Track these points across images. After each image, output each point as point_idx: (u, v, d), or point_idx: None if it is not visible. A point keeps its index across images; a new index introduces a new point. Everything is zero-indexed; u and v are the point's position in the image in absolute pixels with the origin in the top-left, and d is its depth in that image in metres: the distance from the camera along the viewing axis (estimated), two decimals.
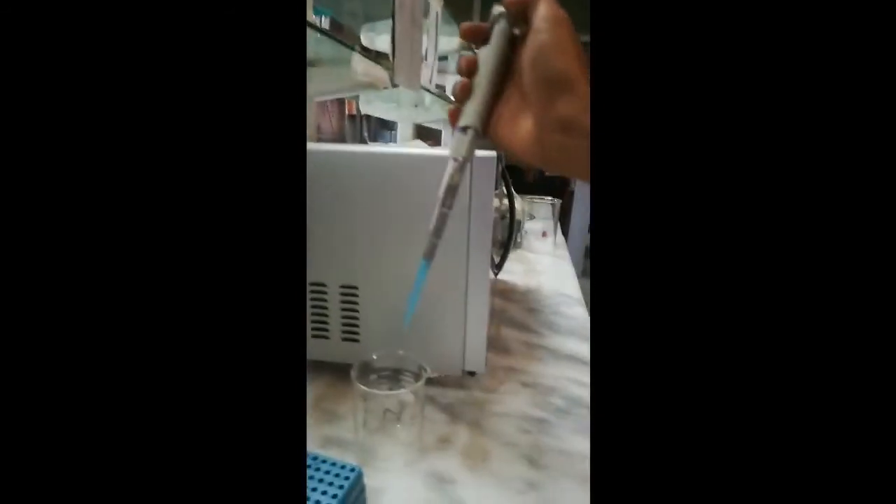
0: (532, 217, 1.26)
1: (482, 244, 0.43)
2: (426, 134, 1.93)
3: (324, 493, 0.29)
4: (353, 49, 0.64)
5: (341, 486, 0.30)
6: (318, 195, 0.44)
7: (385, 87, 0.76)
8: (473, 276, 0.44)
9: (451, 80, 2.14)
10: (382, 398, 0.38)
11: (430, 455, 0.39)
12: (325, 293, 0.47)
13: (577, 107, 0.26)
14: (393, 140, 1.76)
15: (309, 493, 0.30)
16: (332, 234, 0.45)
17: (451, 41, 1.42)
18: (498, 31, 0.29)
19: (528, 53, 0.27)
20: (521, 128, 0.28)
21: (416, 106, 1.46)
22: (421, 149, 0.51)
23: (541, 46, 0.26)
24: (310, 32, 0.54)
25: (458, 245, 0.43)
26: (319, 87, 0.78)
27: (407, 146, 0.72)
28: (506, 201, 0.66)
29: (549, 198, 1.26)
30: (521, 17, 0.27)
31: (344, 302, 0.46)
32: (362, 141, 1.82)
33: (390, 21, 0.84)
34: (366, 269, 0.45)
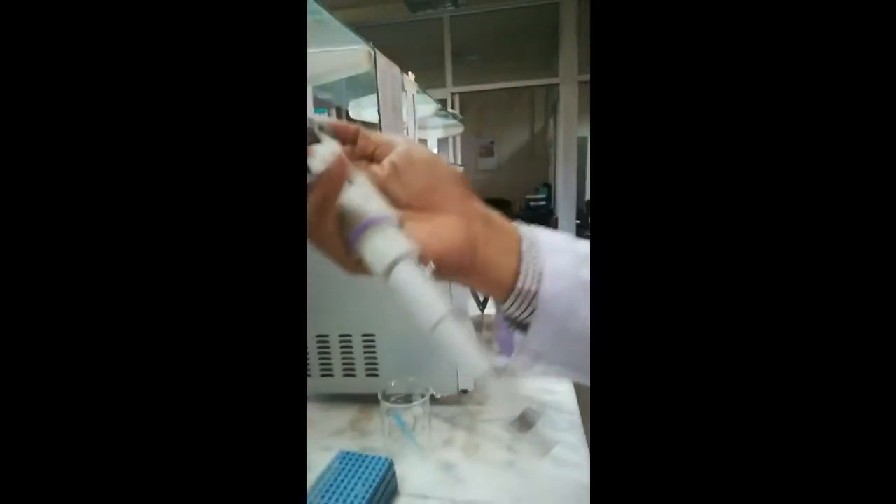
0: None
1: (463, 291, 0.60)
2: None
3: (367, 477, 0.45)
4: None
5: (379, 471, 0.45)
6: None
7: None
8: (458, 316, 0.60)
9: (432, 135, 2.34)
10: (402, 412, 0.53)
11: (437, 451, 0.54)
12: (350, 342, 0.63)
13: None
14: None
15: (356, 478, 0.45)
16: (352, 290, 0.61)
17: (427, 108, 1.64)
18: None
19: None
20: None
21: None
22: None
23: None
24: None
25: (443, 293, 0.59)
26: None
27: None
28: None
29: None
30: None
31: (366, 347, 0.62)
32: None
33: (373, 96, 1.04)
34: (380, 317, 0.61)
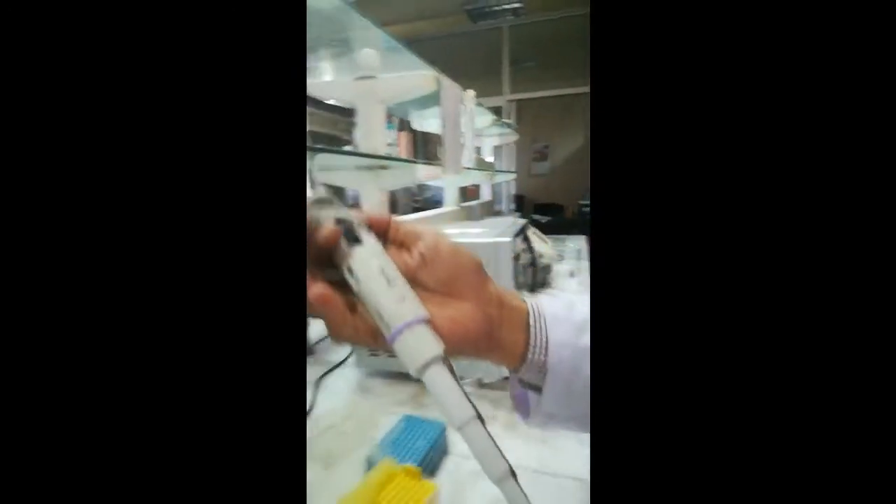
0: (561, 258, 1.48)
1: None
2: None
3: (425, 435, 0.56)
4: (416, 162, 0.95)
5: (434, 432, 0.56)
6: None
7: (438, 178, 1.06)
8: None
9: (488, 143, 2.41)
10: None
11: None
12: None
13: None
14: (440, 200, 2.01)
15: (416, 436, 0.56)
16: None
17: (484, 119, 1.74)
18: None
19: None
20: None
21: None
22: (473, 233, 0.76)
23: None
24: (391, 158, 0.84)
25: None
26: (391, 182, 1.09)
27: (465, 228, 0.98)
28: (536, 247, 0.91)
29: (584, 237, 1.41)
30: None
31: None
32: None
33: (435, 108, 1.15)
34: None
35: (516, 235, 0.75)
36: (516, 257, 0.76)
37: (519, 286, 0.82)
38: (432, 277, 0.25)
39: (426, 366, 0.23)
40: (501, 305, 0.27)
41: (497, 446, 0.23)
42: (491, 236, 0.66)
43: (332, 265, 0.24)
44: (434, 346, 0.23)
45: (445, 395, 0.22)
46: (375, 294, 0.23)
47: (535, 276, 0.92)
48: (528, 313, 0.27)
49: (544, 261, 1.18)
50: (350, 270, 0.23)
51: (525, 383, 0.28)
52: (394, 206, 1.22)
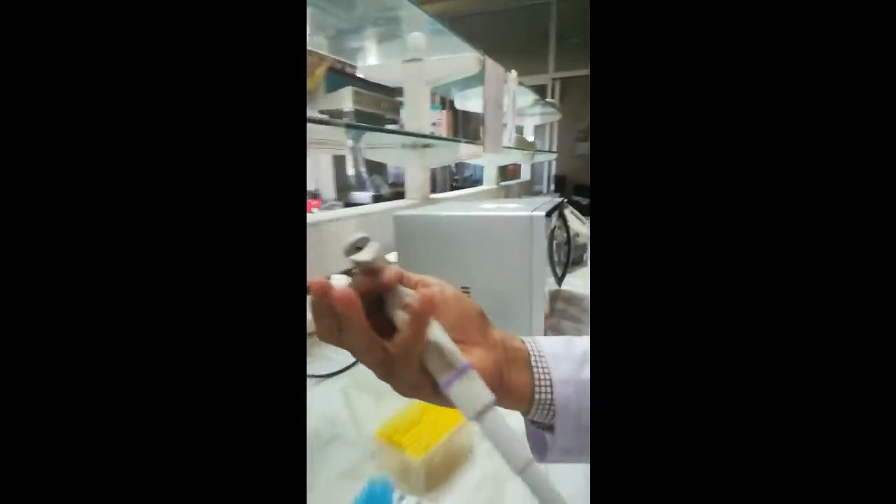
0: None
1: (540, 273, 0.71)
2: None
3: None
4: (460, 141, 1.00)
5: None
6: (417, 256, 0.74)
7: (479, 157, 1.10)
8: (536, 284, 0.71)
9: (530, 122, 2.41)
10: None
11: None
12: None
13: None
14: (479, 179, 2.06)
15: None
16: (451, 245, 0.71)
17: (526, 99, 1.75)
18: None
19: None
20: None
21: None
22: (499, 209, 0.77)
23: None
24: (436, 136, 0.90)
25: (524, 268, 0.71)
26: (434, 160, 1.15)
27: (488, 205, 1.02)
28: (572, 226, 0.95)
29: None
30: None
31: None
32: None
33: (477, 88, 1.19)
34: (477, 270, 0.73)
35: (552, 213, 0.77)
36: (551, 235, 0.79)
37: (554, 264, 0.85)
38: (445, 324, 0.25)
39: (482, 412, 0.23)
40: (505, 348, 0.27)
41: (554, 487, 0.23)
42: (526, 211, 0.70)
43: (377, 304, 0.25)
44: (487, 393, 0.24)
45: (504, 440, 0.23)
46: (434, 336, 0.24)
47: (571, 255, 0.96)
48: (528, 354, 0.28)
49: (580, 240, 1.21)
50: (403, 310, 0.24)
51: (538, 423, 0.29)
52: (433, 184, 1.27)
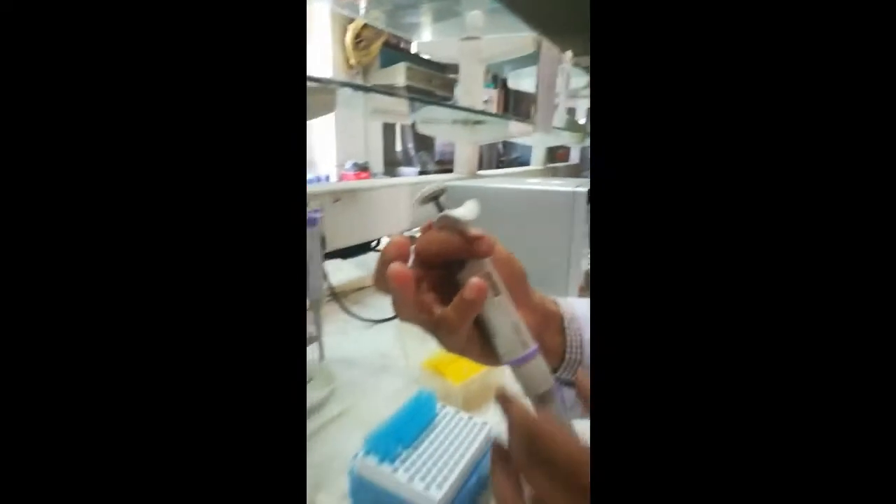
0: None
1: (578, 247, 0.76)
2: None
3: None
4: (509, 119, 1.04)
5: None
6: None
7: (528, 135, 1.14)
8: (574, 257, 0.77)
9: (582, 104, 2.38)
10: None
11: None
12: None
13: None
14: (525, 161, 2.06)
15: None
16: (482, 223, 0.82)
17: (580, 80, 1.75)
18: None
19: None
20: None
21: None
22: (546, 183, 0.82)
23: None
24: (487, 112, 0.94)
25: (564, 241, 0.77)
26: (484, 137, 1.19)
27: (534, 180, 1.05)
28: None
29: None
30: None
31: None
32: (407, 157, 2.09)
33: (531, 68, 1.21)
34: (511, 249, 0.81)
35: None
36: None
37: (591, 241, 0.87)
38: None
39: (543, 395, 0.25)
40: (544, 311, 0.29)
41: None
42: (569, 187, 0.74)
43: (448, 271, 0.25)
44: (550, 378, 0.25)
45: (563, 423, 0.25)
46: (509, 314, 0.25)
47: None
48: (562, 318, 0.29)
49: None
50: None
51: (562, 380, 0.31)
52: (480, 162, 1.32)
